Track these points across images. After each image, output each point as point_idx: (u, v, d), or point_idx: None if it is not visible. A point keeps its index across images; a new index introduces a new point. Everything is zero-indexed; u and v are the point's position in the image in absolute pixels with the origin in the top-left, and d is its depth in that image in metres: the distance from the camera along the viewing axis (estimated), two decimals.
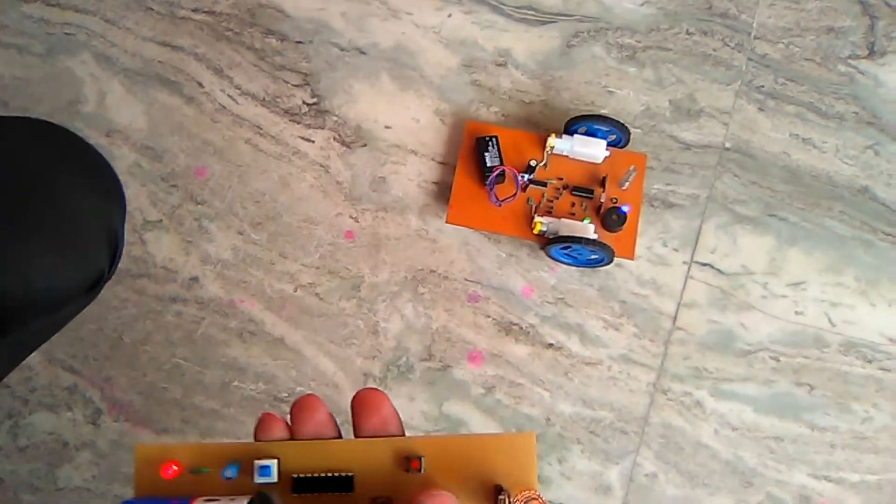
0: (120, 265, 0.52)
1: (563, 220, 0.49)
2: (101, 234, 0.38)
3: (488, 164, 0.50)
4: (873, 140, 0.53)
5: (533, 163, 0.50)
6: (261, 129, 0.54)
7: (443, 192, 0.53)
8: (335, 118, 0.54)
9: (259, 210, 0.53)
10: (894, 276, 0.51)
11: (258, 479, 0.23)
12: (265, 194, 0.53)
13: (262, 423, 0.24)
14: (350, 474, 0.24)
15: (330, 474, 0.24)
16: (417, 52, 0.55)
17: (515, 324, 0.51)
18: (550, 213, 0.50)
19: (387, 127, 0.54)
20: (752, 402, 0.50)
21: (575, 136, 0.50)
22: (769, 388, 0.50)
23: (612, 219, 0.49)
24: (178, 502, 0.22)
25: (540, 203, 0.51)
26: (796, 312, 0.51)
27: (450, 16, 0.56)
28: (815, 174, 0.53)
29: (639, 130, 0.53)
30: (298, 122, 0.54)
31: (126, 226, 0.53)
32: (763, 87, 0.54)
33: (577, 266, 0.51)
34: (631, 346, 0.50)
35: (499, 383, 0.50)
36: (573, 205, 0.51)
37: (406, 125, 0.54)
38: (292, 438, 0.24)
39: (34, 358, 0.52)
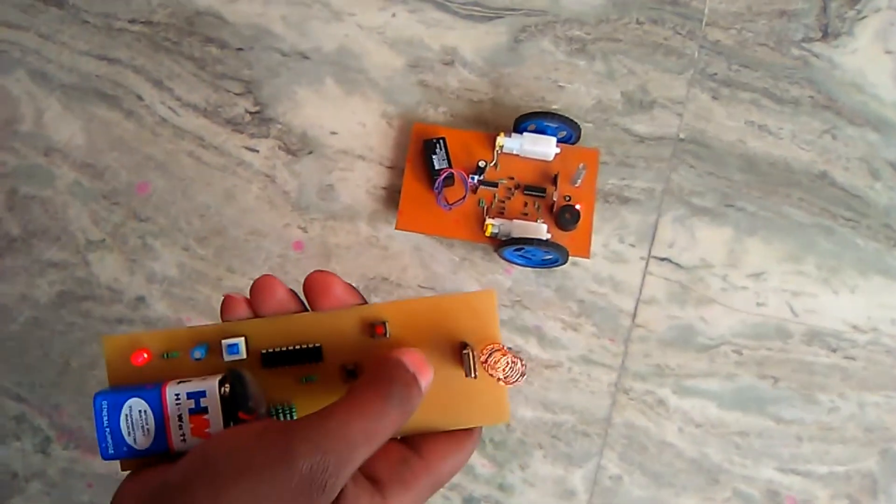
0: (63, 288, 0.51)
1: (515, 221, 0.48)
2: None
3: (436, 168, 0.49)
4: (830, 124, 0.52)
5: (482, 163, 0.49)
6: (203, 140, 0.53)
7: (392, 198, 0.52)
8: (279, 126, 0.53)
9: (204, 224, 0.52)
10: (856, 262, 0.50)
11: (227, 357, 0.24)
12: (210, 208, 0.52)
13: (225, 304, 0.24)
14: (318, 345, 0.24)
15: (298, 346, 0.24)
16: (362, 55, 0.54)
17: None
18: (503, 214, 0.50)
19: (333, 133, 0.53)
20: (715, 398, 0.49)
21: (524, 134, 0.49)
22: (732, 382, 0.49)
23: (565, 217, 0.48)
24: (151, 387, 0.23)
25: (491, 204, 0.50)
26: (757, 304, 0.50)
27: (394, 15, 0.55)
28: (772, 161, 0.52)
29: (591, 125, 0.52)
30: (242, 132, 0.53)
31: (68, 246, 0.51)
32: (716, 74, 0.53)
33: (532, 267, 0.50)
34: (590, 346, 0.50)
35: None
36: (526, 204, 0.50)
37: (353, 130, 0.53)
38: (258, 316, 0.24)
39: None
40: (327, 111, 0.54)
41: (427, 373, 0.22)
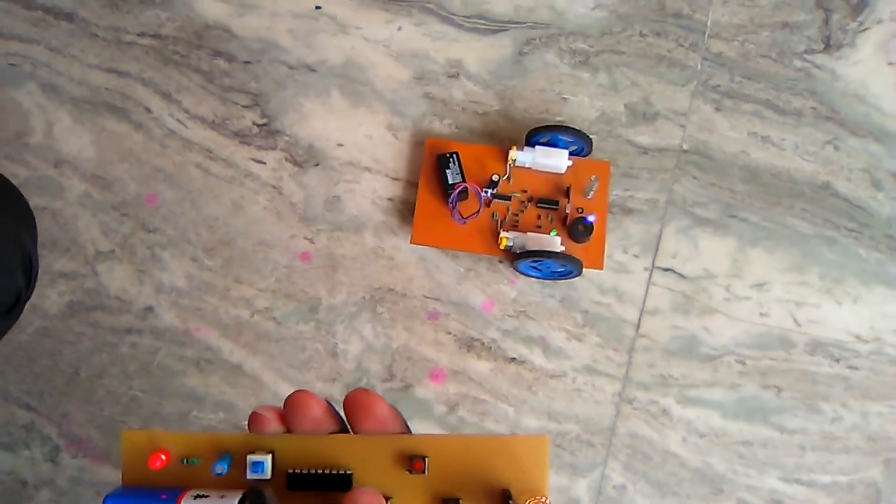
0: (73, 298, 0.53)
1: (529, 233, 0.50)
2: (15, 256, 0.39)
3: (450, 182, 0.51)
4: (832, 135, 0.54)
5: (495, 177, 0.51)
6: (211, 152, 0.55)
7: (398, 209, 0.54)
8: (286, 138, 0.55)
9: (212, 235, 0.54)
10: (858, 272, 0.52)
11: (250, 475, 0.23)
12: (218, 219, 0.54)
13: (253, 420, 0.24)
14: (349, 472, 0.23)
15: (327, 471, 0.23)
16: (368, 67, 0.56)
17: (477, 339, 0.52)
18: (516, 226, 0.51)
19: (339, 145, 0.55)
20: (719, 408, 0.50)
21: (536, 147, 0.51)
22: (736, 392, 0.50)
23: (578, 229, 0.50)
24: (168, 494, 0.22)
25: (505, 217, 0.51)
26: (761, 314, 0.51)
27: (399, 28, 0.57)
28: (775, 172, 0.54)
29: (595, 136, 0.54)
30: (249, 144, 0.55)
31: (78, 257, 0.53)
32: (719, 86, 0.55)
33: (544, 279, 0.52)
34: (595, 356, 0.51)
35: (462, 400, 0.51)
36: (539, 217, 0.52)
37: (359, 142, 0.55)
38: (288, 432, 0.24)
39: None
40: (334, 123, 0.55)
41: None
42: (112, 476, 0.52)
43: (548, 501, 0.22)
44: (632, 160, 0.54)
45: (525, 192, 0.52)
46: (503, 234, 0.50)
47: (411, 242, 0.51)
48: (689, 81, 0.55)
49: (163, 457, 0.23)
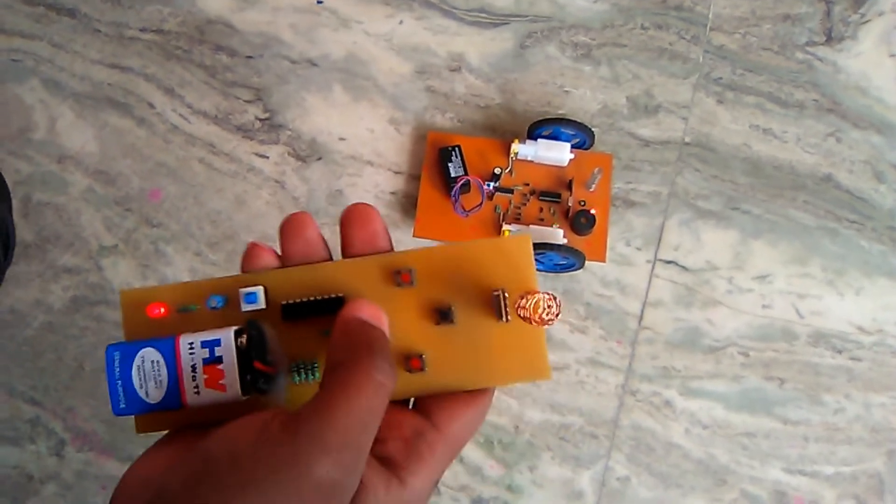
0: (77, 293, 0.53)
1: (531, 226, 0.50)
2: None
3: (452, 175, 0.51)
4: (834, 127, 0.54)
5: (498, 170, 0.51)
6: (214, 147, 0.56)
7: (401, 203, 0.54)
8: (289, 132, 0.56)
9: (216, 230, 0.54)
10: (861, 264, 0.52)
11: (245, 307, 0.23)
12: (221, 213, 0.54)
13: (248, 253, 0.24)
14: (340, 295, 0.23)
15: (319, 297, 0.23)
16: (370, 61, 0.57)
17: None
18: (519, 219, 0.52)
19: (341, 139, 0.55)
20: (722, 399, 0.51)
21: (539, 140, 0.51)
22: (739, 383, 0.51)
23: (580, 222, 0.50)
24: (164, 340, 0.22)
25: (507, 210, 0.52)
26: (763, 306, 0.52)
27: (401, 22, 0.57)
28: (777, 165, 0.54)
29: (597, 129, 0.55)
30: (252, 139, 0.56)
31: (81, 252, 0.54)
32: (721, 78, 0.55)
33: (546, 272, 0.52)
34: (598, 348, 0.52)
35: None
36: (541, 210, 0.52)
37: (361, 136, 0.55)
38: (282, 266, 0.24)
39: None
40: (336, 117, 0.56)
41: (385, 320, 0.22)
42: (117, 469, 0.52)
43: (551, 298, 0.22)
44: (634, 153, 0.55)
45: (527, 185, 0.53)
46: (505, 226, 0.50)
47: (414, 236, 0.52)
48: (690, 74, 0.56)
49: (161, 309, 0.23)
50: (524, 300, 0.22)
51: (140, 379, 0.22)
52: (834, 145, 0.54)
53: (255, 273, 0.24)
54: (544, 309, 0.22)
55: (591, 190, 0.52)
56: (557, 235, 0.50)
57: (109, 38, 0.58)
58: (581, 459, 0.51)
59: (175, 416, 0.23)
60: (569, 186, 0.52)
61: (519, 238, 0.24)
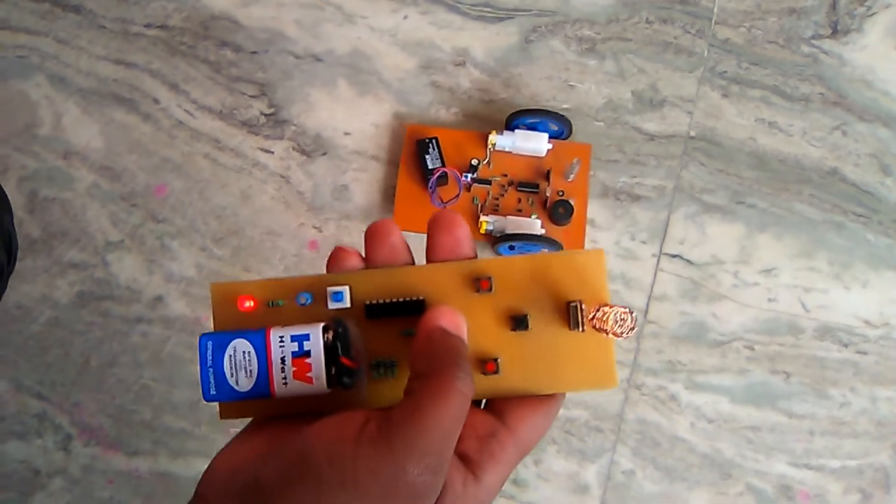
0: (83, 288, 0.54)
1: (509, 217, 0.51)
2: None
3: (429, 167, 0.51)
4: (840, 120, 0.54)
5: (475, 162, 0.52)
6: (219, 142, 0.56)
7: None
8: (294, 127, 0.56)
9: (221, 225, 0.55)
10: (867, 257, 0.52)
11: (332, 305, 0.25)
12: (226, 208, 0.55)
13: (334, 255, 0.25)
14: (421, 298, 0.25)
15: (401, 299, 0.25)
16: (374, 56, 0.57)
17: None
18: (497, 210, 0.52)
19: (346, 133, 0.56)
20: (727, 393, 0.51)
21: (516, 131, 0.52)
22: (744, 377, 0.51)
23: (558, 212, 0.50)
24: (255, 332, 0.23)
25: (486, 202, 0.52)
26: (769, 300, 0.52)
27: (405, 17, 0.57)
28: (783, 158, 0.54)
29: (602, 124, 0.55)
30: (257, 134, 0.56)
31: (88, 247, 0.54)
32: (726, 72, 0.55)
33: None
34: None
35: None
36: (519, 201, 0.52)
37: (366, 131, 0.55)
38: (366, 268, 0.25)
39: (1, 386, 0.53)
40: (340, 112, 0.56)
41: (464, 327, 0.23)
42: (124, 464, 0.52)
43: (626, 312, 0.23)
44: (639, 147, 0.55)
45: (505, 176, 0.53)
46: (483, 217, 0.50)
47: None
48: (695, 68, 0.56)
49: (250, 302, 0.25)
50: (600, 312, 0.23)
51: (231, 368, 0.23)
52: (840, 139, 0.54)
53: (340, 274, 0.25)
54: (618, 322, 0.23)
55: (570, 180, 0.52)
56: (535, 226, 0.50)
57: (114, 34, 0.58)
58: (586, 453, 0.51)
59: (261, 406, 0.24)
60: (547, 177, 0.52)
61: (593, 252, 0.25)
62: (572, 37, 0.57)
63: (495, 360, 0.24)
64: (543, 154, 0.52)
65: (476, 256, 0.25)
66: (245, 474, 0.21)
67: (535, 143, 0.51)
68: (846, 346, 0.51)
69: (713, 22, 0.57)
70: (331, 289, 0.25)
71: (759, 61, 0.56)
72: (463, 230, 0.25)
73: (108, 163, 0.56)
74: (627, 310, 0.23)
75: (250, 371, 0.23)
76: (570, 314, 0.24)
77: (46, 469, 0.53)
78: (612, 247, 0.53)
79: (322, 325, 0.23)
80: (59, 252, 0.55)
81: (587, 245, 0.52)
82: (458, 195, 0.51)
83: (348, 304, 0.25)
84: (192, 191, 0.56)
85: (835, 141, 0.54)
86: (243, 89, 0.57)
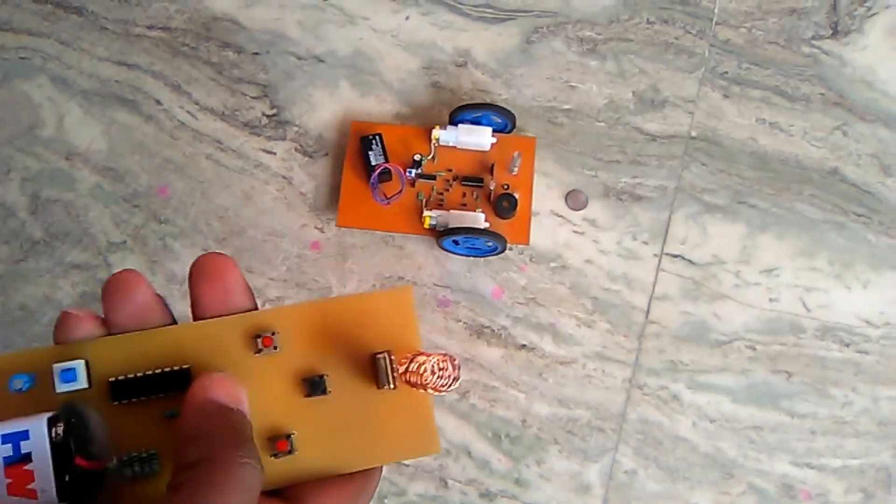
0: (86, 289, 0.54)
1: (452, 212, 0.51)
2: None
3: (373, 163, 0.52)
4: (841, 120, 0.55)
5: (418, 157, 0.52)
6: (221, 143, 0.56)
7: None
8: (296, 128, 0.56)
9: (223, 226, 0.55)
10: (868, 257, 0.53)
11: (61, 387, 0.19)
12: (229, 209, 0.55)
13: (61, 323, 0.19)
14: (186, 366, 0.20)
15: (159, 371, 0.19)
16: (376, 57, 0.57)
17: (487, 326, 0.53)
18: (441, 205, 0.52)
19: (347, 134, 0.56)
20: (729, 393, 0.51)
21: (459, 125, 0.52)
22: (746, 377, 0.51)
23: (502, 206, 0.51)
24: None
25: (430, 197, 0.53)
26: (770, 299, 0.52)
27: (407, 18, 0.58)
28: (784, 158, 0.54)
29: (603, 124, 0.55)
30: (259, 135, 0.56)
31: (90, 248, 0.54)
32: (727, 73, 0.56)
33: (481, 257, 0.53)
34: (605, 342, 0.52)
35: (473, 387, 0.52)
36: (464, 195, 0.53)
37: None
38: (108, 335, 0.20)
39: None
40: (342, 114, 0.56)
41: (244, 398, 0.18)
42: None
43: (446, 358, 0.19)
44: (640, 147, 0.55)
45: (450, 170, 0.53)
46: (426, 212, 0.51)
47: (337, 225, 0.52)
48: (696, 68, 0.56)
49: None
50: (414, 363, 0.19)
51: None
52: (840, 139, 0.55)
53: (75, 343, 0.19)
54: (436, 372, 0.19)
55: (514, 173, 0.52)
56: (479, 219, 0.51)
57: (116, 36, 0.59)
58: (588, 453, 0.51)
59: None
60: (491, 171, 0.53)
61: (398, 291, 0.21)
62: (573, 37, 0.57)
63: (288, 436, 0.20)
64: (487, 148, 0.53)
65: (256, 307, 0.21)
66: None
67: (478, 138, 0.52)
68: (847, 345, 0.52)
69: (714, 22, 0.57)
70: (58, 365, 0.19)
71: (760, 62, 0.56)
72: (233, 275, 0.20)
73: (110, 164, 0.57)
74: (447, 356, 0.19)
75: None
76: (376, 369, 0.20)
77: None
78: (614, 247, 0.54)
79: (48, 415, 0.17)
80: (62, 253, 0.55)
81: (586, 243, 0.53)
82: (400, 191, 0.52)
83: (85, 384, 0.19)
84: (194, 192, 0.56)
85: (835, 141, 0.55)
86: (245, 90, 0.57)
